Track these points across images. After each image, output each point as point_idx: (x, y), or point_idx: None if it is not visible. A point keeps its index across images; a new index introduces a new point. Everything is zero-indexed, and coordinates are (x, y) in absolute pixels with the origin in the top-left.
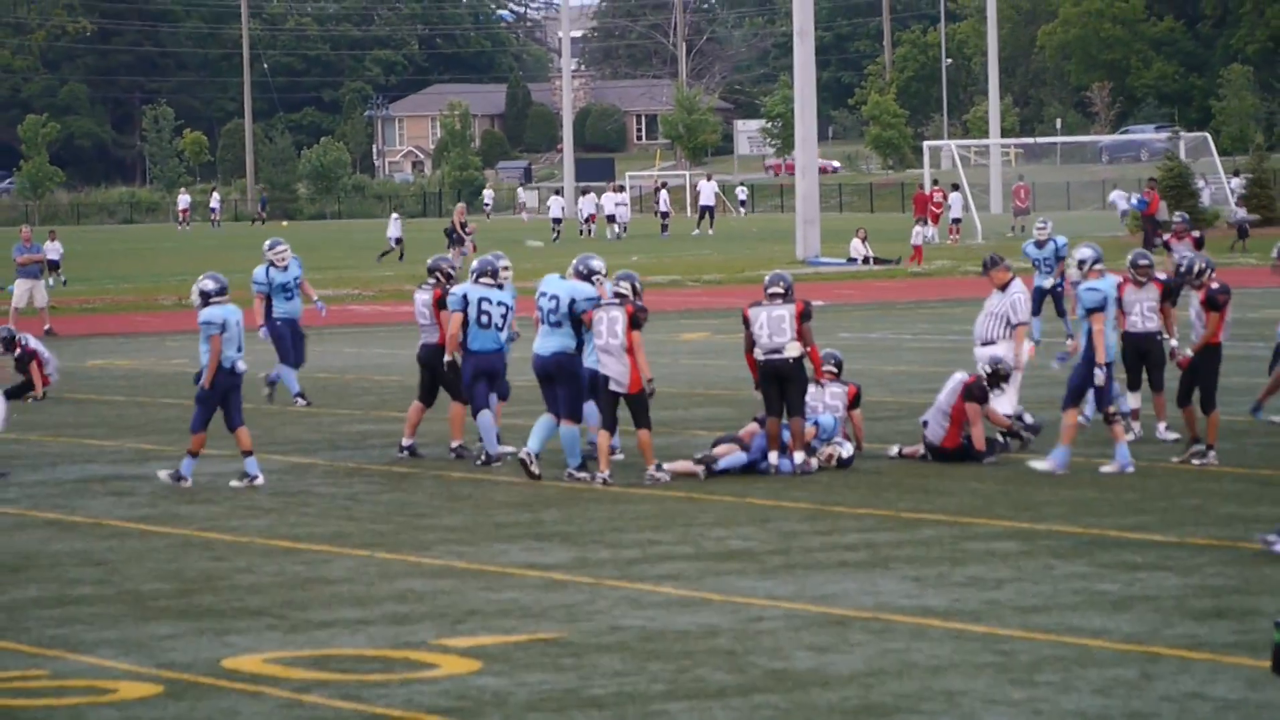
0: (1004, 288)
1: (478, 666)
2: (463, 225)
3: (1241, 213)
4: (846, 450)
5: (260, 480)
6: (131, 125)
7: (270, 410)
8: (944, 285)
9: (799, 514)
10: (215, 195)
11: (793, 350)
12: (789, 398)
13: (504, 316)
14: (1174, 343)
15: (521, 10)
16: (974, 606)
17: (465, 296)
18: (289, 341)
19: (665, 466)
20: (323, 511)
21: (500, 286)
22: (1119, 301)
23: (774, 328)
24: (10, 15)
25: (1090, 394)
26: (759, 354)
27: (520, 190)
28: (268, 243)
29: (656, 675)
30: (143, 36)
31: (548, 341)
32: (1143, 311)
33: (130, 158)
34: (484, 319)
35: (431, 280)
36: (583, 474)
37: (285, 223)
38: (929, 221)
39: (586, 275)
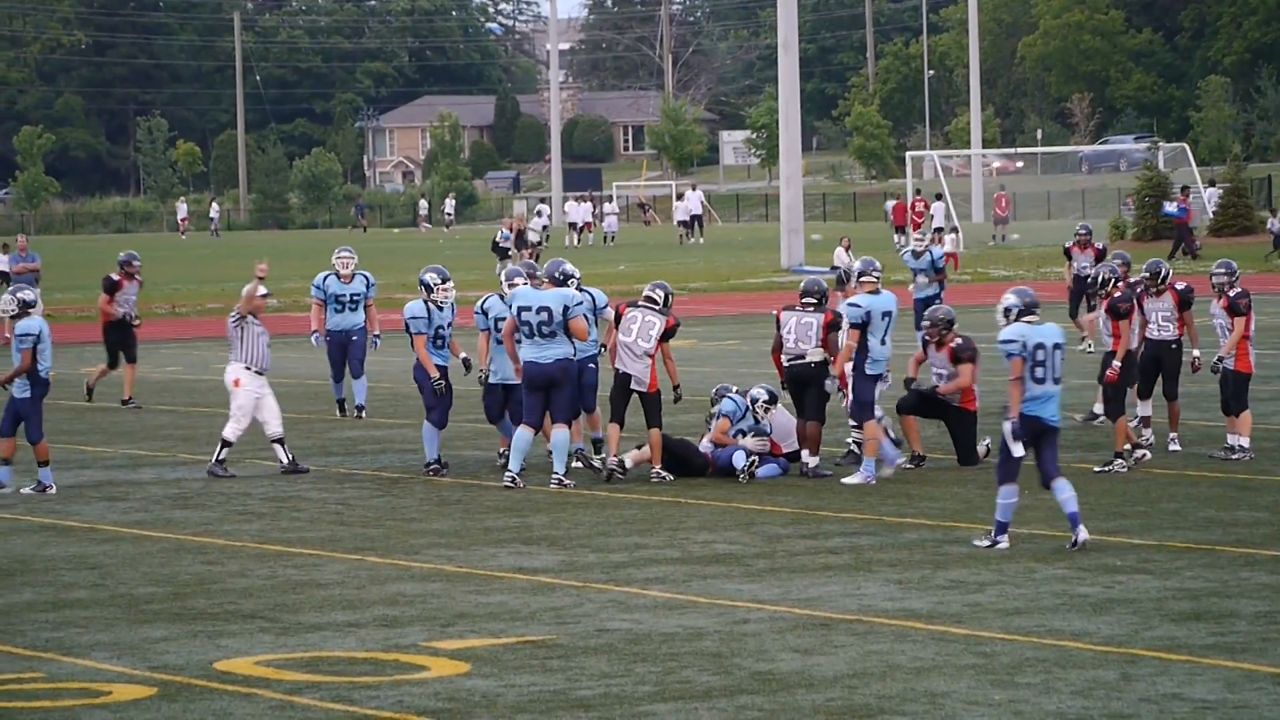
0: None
1: (467, 668)
2: (521, 232)
3: (1278, 222)
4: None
5: (53, 490)
6: (126, 136)
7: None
8: None
9: (783, 518)
10: (214, 205)
11: (815, 355)
12: (808, 402)
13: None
14: (1196, 353)
15: (510, 23)
16: (956, 609)
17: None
18: (334, 355)
19: (626, 458)
20: (314, 516)
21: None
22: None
23: (801, 334)
24: (6, 28)
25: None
26: (784, 357)
27: (422, 202)
28: (337, 249)
29: (643, 677)
30: (137, 49)
31: (547, 351)
32: (1158, 320)
33: (124, 168)
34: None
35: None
36: (569, 481)
37: (363, 229)
38: (911, 230)
39: (563, 280)
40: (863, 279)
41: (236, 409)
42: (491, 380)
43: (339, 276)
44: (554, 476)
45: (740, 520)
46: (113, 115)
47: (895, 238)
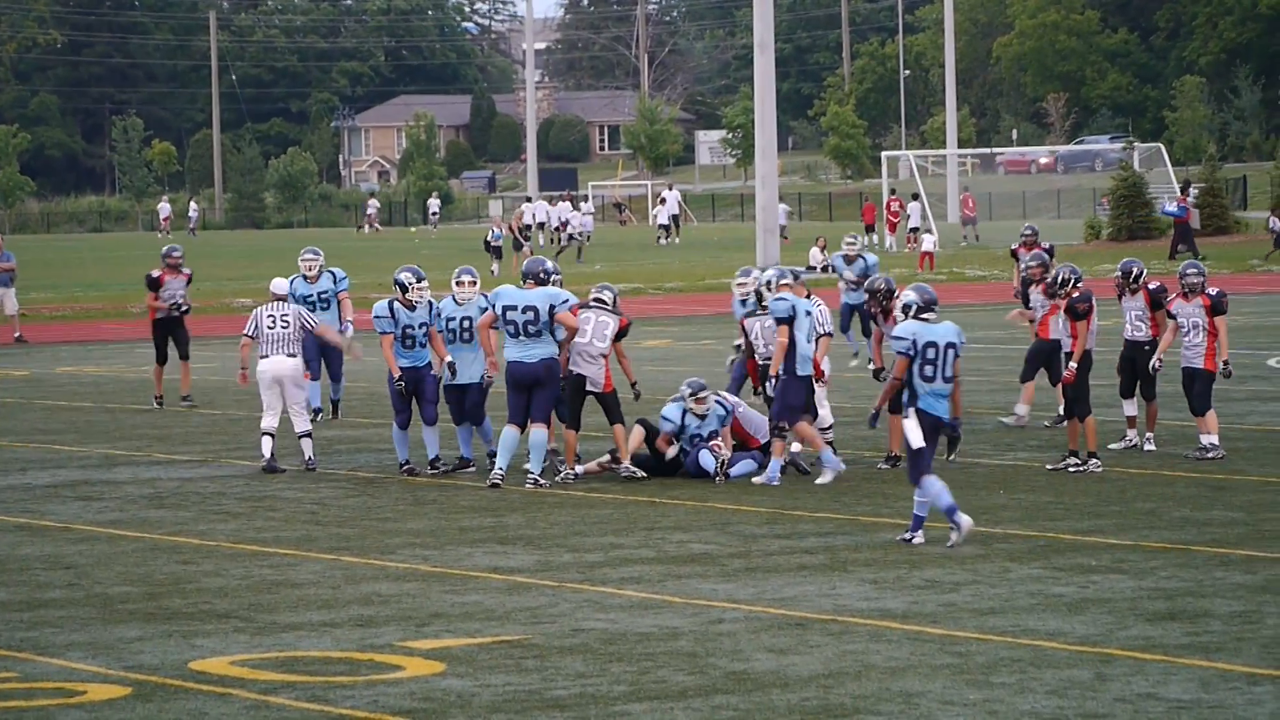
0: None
1: (442, 668)
2: (524, 229)
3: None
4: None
5: None
6: (101, 136)
7: (236, 417)
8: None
9: (759, 518)
10: (192, 204)
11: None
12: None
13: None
14: (1159, 357)
15: (486, 22)
16: (931, 609)
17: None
18: (309, 355)
19: (578, 467)
20: (289, 516)
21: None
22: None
23: (769, 337)
24: None
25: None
26: (758, 359)
27: (371, 202)
28: (302, 251)
29: (618, 676)
30: (112, 48)
31: (533, 350)
32: (1132, 320)
33: (100, 167)
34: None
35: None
36: (544, 481)
37: (415, 230)
38: (888, 231)
39: (546, 279)
40: (783, 281)
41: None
42: (452, 382)
43: (305, 278)
44: (529, 476)
45: (716, 520)
46: (88, 114)
47: (864, 238)
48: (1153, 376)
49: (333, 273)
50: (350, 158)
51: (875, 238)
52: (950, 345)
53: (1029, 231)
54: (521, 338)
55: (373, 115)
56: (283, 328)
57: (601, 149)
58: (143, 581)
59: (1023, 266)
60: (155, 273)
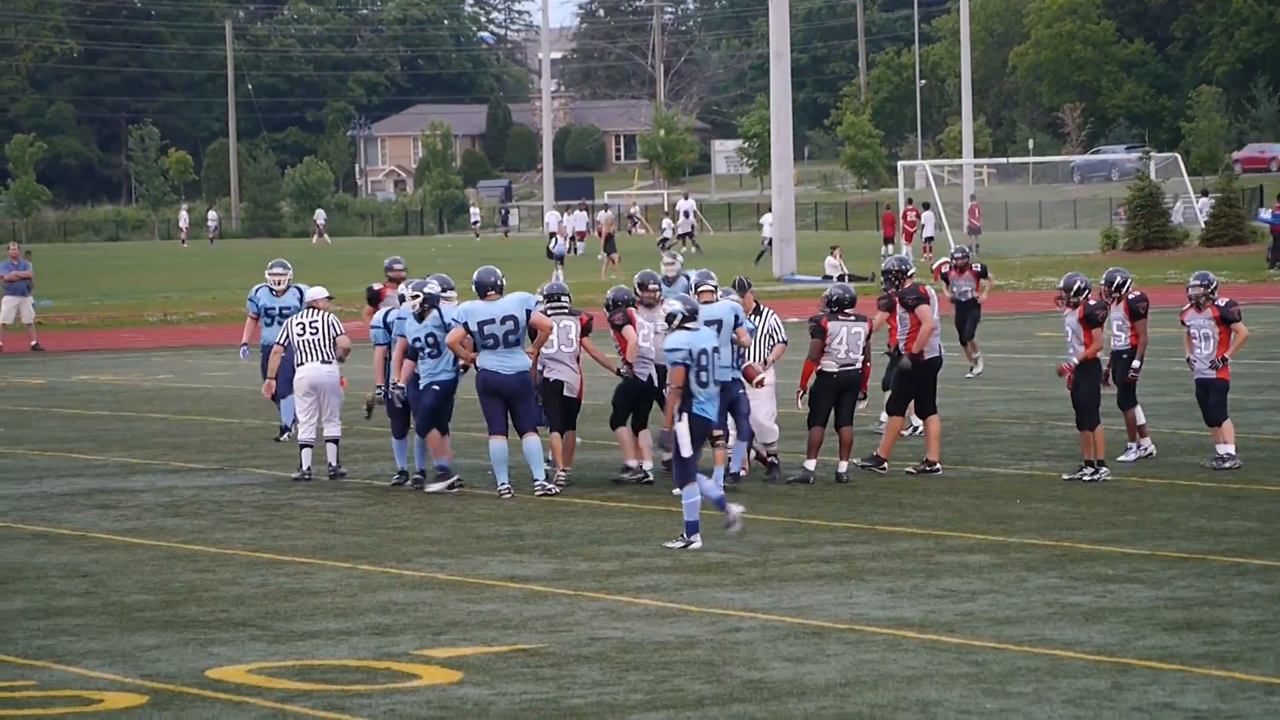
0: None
1: (459, 677)
2: (610, 236)
3: None
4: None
5: None
6: (117, 144)
7: (251, 426)
8: None
9: (775, 527)
10: (211, 213)
11: (859, 362)
12: (846, 407)
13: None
14: (1136, 364)
15: (502, 32)
16: (948, 618)
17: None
18: (266, 372)
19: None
20: (306, 525)
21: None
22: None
23: (851, 343)
24: None
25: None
26: (831, 365)
27: (319, 212)
28: (270, 263)
29: (635, 685)
30: (129, 57)
31: (510, 361)
32: (1114, 329)
33: (116, 176)
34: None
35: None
36: (550, 485)
37: (504, 232)
38: (904, 241)
39: (502, 287)
40: (700, 289)
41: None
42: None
43: (272, 290)
44: (536, 484)
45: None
46: (104, 123)
47: (883, 248)
48: (1129, 385)
49: (299, 289)
50: (366, 167)
51: (893, 248)
52: (716, 350)
53: (959, 254)
54: (500, 349)
55: (389, 125)
56: (312, 334)
57: (617, 158)
58: (159, 590)
59: (955, 291)
60: (376, 286)
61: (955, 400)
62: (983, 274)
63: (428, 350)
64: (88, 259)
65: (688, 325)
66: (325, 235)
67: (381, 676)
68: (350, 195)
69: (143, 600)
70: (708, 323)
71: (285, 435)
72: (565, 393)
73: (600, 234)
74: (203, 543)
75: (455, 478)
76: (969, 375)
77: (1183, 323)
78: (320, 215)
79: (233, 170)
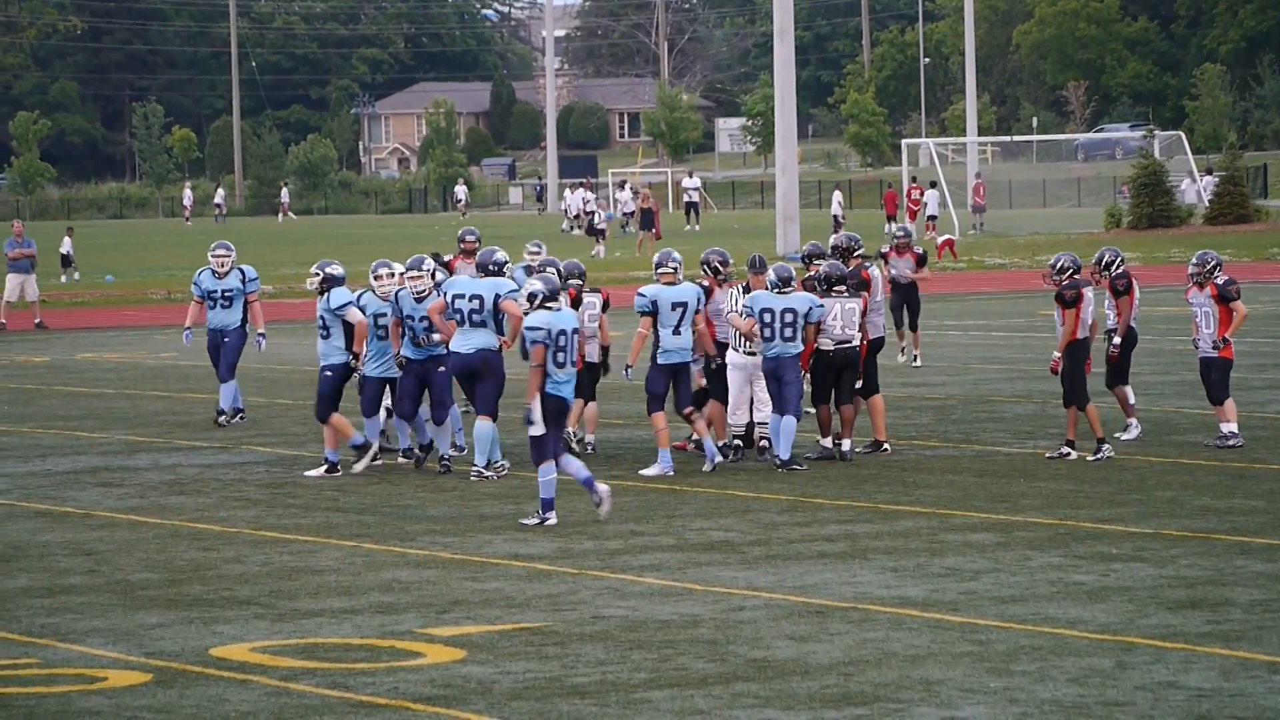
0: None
1: (462, 655)
2: (649, 211)
3: None
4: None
5: None
6: (121, 122)
7: (258, 403)
8: None
9: (779, 506)
10: (220, 191)
11: (857, 339)
12: (846, 385)
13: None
14: (1116, 340)
15: (506, 10)
16: (952, 597)
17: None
18: (212, 354)
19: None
20: (310, 503)
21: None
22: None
23: (846, 320)
24: (1, 13)
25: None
26: (827, 343)
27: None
28: (213, 245)
29: (639, 664)
30: (132, 35)
31: (471, 340)
32: (1106, 309)
33: (120, 154)
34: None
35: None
36: (489, 473)
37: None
38: (908, 219)
39: (498, 270)
40: (660, 270)
41: None
42: (372, 374)
43: (214, 273)
44: (473, 470)
45: (736, 508)
46: (108, 101)
47: (886, 226)
48: (1114, 363)
49: (242, 270)
50: (370, 145)
51: (895, 226)
52: (575, 330)
53: (901, 234)
54: (465, 326)
55: (393, 102)
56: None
57: (621, 136)
58: (163, 568)
59: (895, 273)
60: (447, 257)
61: (959, 379)
62: (923, 260)
63: (320, 332)
64: (92, 237)
65: (549, 305)
66: (290, 212)
67: (385, 655)
68: (354, 173)
69: (146, 578)
70: (674, 305)
71: (240, 416)
72: (588, 358)
73: (640, 209)
74: (206, 521)
75: (335, 465)
76: (913, 364)
77: (1187, 301)
78: (285, 193)
79: (236, 148)
